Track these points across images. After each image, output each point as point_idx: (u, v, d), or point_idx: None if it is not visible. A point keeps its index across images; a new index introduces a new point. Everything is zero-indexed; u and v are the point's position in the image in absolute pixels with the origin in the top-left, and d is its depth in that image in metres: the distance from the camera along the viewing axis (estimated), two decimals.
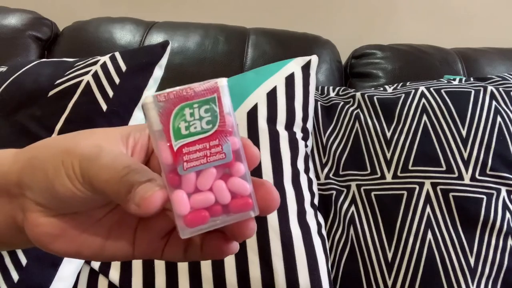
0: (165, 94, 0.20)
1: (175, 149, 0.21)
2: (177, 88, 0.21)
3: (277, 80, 0.74)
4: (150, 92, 0.72)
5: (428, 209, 0.67)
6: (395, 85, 0.86)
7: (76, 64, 0.72)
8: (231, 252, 0.25)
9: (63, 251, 0.25)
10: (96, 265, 0.63)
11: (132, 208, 0.21)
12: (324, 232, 0.68)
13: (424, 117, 0.74)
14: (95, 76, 0.68)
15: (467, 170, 0.69)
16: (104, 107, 0.66)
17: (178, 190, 0.22)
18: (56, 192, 0.23)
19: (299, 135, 0.72)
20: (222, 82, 0.21)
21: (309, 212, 0.66)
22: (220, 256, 0.26)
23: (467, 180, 0.68)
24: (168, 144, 0.21)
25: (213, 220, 0.23)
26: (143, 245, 0.27)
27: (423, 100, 0.76)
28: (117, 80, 0.68)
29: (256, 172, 0.65)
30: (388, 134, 0.74)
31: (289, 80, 0.74)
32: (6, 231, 0.26)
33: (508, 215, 0.67)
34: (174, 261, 0.27)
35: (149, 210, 0.21)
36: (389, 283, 0.65)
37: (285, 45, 1.02)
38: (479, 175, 0.68)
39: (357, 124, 0.78)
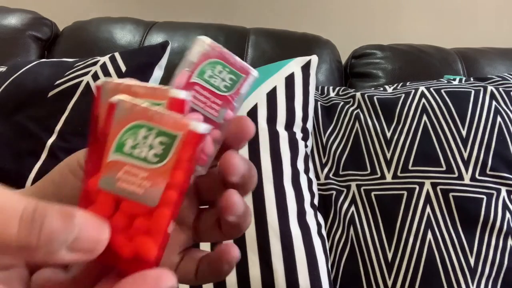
0: (215, 46, 0.25)
1: (191, 80, 0.25)
2: (225, 50, 0.25)
3: (277, 80, 0.74)
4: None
5: (428, 209, 0.67)
6: (395, 85, 0.86)
7: (76, 65, 0.72)
8: (235, 255, 0.25)
9: None
10: None
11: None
12: (324, 232, 0.68)
13: (424, 117, 0.74)
14: (95, 76, 0.68)
15: (467, 170, 0.69)
16: None
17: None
18: None
19: (299, 135, 0.72)
20: (254, 73, 0.26)
21: (309, 212, 0.66)
22: (232, 260, 0.25)
23: (467, 180, 0.68)
24: (189, 74, 0.25)
25: None
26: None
27: (423, 100, 0.76)
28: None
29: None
30: (388, 134, 0.74)
31: (289, 80, 0.74)
32: None
33: (508, 215, 0.67)
34: (185, 283, 0.26)
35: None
36: (389, 283, 0.65)
37: (285, 45, 1.02)
38: (479, 175, 0.68)
39: (357, 124, 0.77)
